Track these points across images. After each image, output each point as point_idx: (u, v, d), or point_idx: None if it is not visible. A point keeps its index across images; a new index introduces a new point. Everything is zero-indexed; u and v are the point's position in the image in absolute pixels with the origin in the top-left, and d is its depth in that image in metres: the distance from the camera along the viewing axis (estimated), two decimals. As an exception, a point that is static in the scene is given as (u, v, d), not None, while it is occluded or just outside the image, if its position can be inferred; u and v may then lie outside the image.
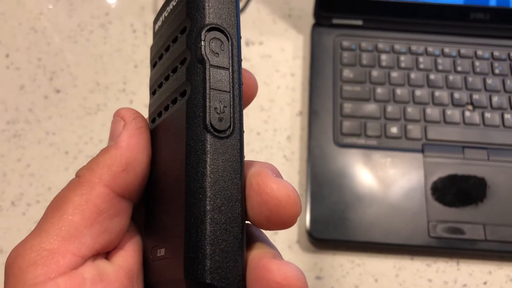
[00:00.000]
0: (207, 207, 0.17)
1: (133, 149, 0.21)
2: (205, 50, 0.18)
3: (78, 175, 0.21)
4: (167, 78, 0.21)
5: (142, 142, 0.21)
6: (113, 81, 0.55)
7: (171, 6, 0.21)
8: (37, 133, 0.52)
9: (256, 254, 0.18)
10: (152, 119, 0.23)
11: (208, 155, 0.17)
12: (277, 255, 0.19)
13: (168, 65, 0.21)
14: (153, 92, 0.23)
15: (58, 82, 0.55)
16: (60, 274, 0.19)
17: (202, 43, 0.18)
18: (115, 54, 0.57)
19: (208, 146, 0.17)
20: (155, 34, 0.23)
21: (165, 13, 0.22)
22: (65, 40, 0.58)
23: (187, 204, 0.17)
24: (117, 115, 0.22)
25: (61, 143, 0.52)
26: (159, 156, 0.21)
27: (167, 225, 0.19)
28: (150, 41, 0.58)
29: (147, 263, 0.21)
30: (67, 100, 0.54)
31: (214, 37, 0.18)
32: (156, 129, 0.22)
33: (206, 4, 0.19)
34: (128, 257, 0.21)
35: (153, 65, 0.23)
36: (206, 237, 0.17)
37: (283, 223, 0.19)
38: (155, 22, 0.23)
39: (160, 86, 0.22)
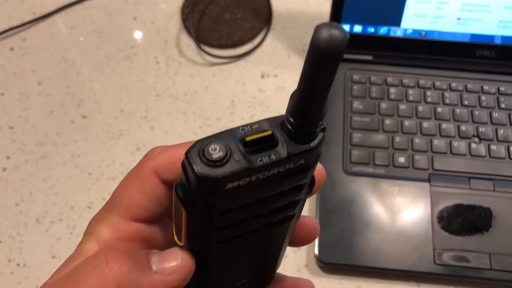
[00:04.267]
0: (282, 255, 0.27)
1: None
2: None
3: (97, 238, 0.22)
4: (259, 216, 0.22)
5: None
6: (136, 109, 0.59)
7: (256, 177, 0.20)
8: (63, 155, 0.56)
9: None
10: (223, 240, 0.22)
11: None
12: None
13: (264, 212, 0.22)
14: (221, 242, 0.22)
15: (84, 108, 0.59)
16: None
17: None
18: (139, 84, 0.61)
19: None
20: (225, 193, 0.19)
21: (242, 181, 0.19)
22: (93, 70, 0.62)
23: (279, 255, 0.27)
24: (178, 259, 0.22)
25: (84, 165, 0.55)
26: (248, 245, 0.24)
27: (252, 268, 0.27)
28: (172, 72, 0.62)
29: None
30: (92, 126, 0.58)
31: None
32: (240, 241, 0.23)
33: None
34: None
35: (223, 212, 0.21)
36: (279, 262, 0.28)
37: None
38: (220, 183, 0.19)
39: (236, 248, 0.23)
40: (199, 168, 0.18)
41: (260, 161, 0.18)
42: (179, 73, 0.62)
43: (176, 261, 0.21)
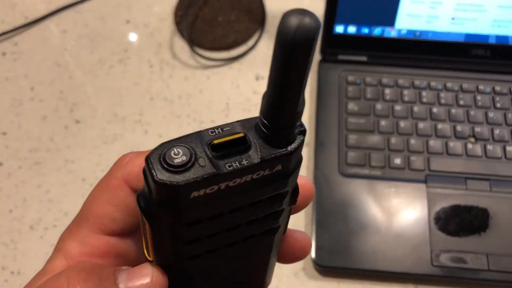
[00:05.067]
0: (271, 271, 0.26)
1: None
2: None
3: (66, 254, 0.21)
4: (235, 228, 0.20)
5: None
6: (129, 113, 0.59)
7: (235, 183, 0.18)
8: (57, 161, 0.55)
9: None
10: (196, 255, 0.21)
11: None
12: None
13: (241, 224, 0.20)
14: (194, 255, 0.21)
15: (78, 113, 0.59)
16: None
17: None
18: (132, 88, 0.61)
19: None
20: (193, 199, 0.17)
21: (209, 189, 0.17)
22: (86, 74, 0.62)
23: (266, 271, 0.25)
24: (148, 277, 0.20)
25: (78, 171, 0.55)
26: (232, 259, 0.23)
27: (237, 285, 0.26)
28: (165, 76, 0.61)
29: None
30: (86, 130, 0.57)
31: None
32: (222, 252, 0.21)
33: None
34: None
35: (194, 222, 0.19)
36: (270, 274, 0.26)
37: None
38: (182, 191, 0.17)
39: (216, 234, 0.20)
40: (159, 174, 0.16)
41: (229, 166, 0.17)
42: (173, 76, 0.61)
43: (146, 279, 0.20)
